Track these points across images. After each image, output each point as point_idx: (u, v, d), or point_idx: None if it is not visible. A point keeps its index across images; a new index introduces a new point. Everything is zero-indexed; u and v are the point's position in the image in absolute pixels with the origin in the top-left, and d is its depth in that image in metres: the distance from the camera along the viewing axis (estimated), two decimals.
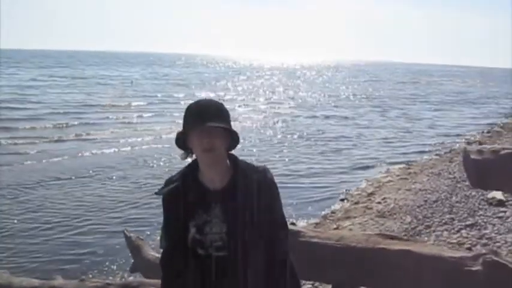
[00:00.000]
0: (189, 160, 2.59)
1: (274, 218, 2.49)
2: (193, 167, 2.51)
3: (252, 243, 2.41)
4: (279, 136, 17.46)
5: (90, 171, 11.78)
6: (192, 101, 2.49)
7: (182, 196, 2.45)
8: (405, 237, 4.07)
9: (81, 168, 12.11)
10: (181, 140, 2.44)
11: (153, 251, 4.94)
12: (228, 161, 2.49)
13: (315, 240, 3.34)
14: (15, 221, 8.43)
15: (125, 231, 5.46)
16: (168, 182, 2.52)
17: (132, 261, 5.22)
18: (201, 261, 2.44)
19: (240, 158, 2.52)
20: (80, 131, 17.14)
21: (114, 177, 11.41)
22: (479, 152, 3.63)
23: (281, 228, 2.52)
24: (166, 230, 2.54)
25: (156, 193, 2.53)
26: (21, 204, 9.33)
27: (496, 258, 3.11)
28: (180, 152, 2.54)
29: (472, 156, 3.59)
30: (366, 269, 3.22)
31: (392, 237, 3.36)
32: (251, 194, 2.41)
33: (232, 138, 2.44)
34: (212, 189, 2.46)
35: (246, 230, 2.39)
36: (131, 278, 5.40)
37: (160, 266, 2.63)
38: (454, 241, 6.02)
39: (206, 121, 2.31)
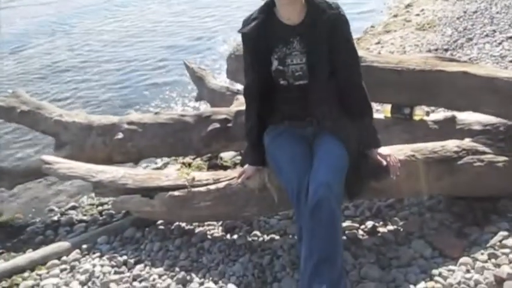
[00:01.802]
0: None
1: (349, 47, 2.79)
2: (270, 5, 2.76)
3: (329, 72, 2.72)
4: None
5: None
6: None
7: (262, 32, 2.72)
8: (463, 60, 4.30)
9: None
10: None
11: (216, 81, 5.13)
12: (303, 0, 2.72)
13: (375, 64, 3.44)
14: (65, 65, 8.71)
15: (185, 62, 5.59)
16: (247, 20, 2.78)
17: (196, 90, 5.42)
18: (284, 91, 2.79)
19: None
20: None
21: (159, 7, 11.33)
22: None
23: (355, 55, 2.83)
24: (250, 65, 2.84)
25: (238, 31, 2.81)
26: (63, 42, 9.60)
27: None
28: None
29: None
30: (424, 89, 3.42)
31: (450, 60, 3.58)
32: (327, 26, 2.67)
33: None
34: (290, 24, 2.73)
35: (324, 60, 2.69)
36: (200, 107, 5.80)
37: (244, 97, 2.98)
38: (497, 54, 6.12)
39: None
